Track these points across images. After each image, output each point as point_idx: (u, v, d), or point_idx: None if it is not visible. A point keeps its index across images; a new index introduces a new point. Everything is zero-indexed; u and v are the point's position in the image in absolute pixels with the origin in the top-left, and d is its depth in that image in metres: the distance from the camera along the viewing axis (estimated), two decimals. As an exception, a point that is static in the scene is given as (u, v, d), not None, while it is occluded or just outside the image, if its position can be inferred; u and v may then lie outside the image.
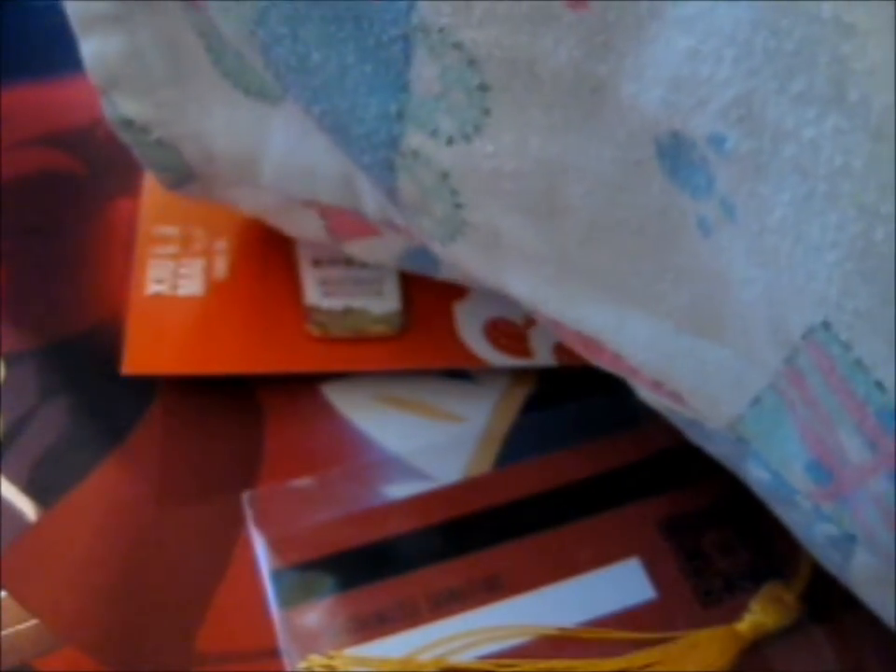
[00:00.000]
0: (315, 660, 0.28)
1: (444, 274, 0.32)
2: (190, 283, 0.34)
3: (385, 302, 0.34)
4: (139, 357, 0.33)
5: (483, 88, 0.24)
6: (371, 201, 0.29)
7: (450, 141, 0.25)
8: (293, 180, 0.30)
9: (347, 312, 0.33)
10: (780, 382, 0.24)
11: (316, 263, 0.35)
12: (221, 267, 0.35)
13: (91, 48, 0.29)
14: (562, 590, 0.29)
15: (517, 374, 0.33)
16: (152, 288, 0.34)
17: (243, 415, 0.32)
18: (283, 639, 0.28)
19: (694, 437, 0.28)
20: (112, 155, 0.38)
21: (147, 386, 0.33)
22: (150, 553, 0.30)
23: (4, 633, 0.28)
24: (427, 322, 0.34)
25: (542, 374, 0.33)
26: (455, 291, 0.34)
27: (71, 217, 0.37)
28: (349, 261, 0.35)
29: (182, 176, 0.31)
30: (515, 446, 0.32)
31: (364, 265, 0.35)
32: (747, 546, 0.30)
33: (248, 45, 0.26)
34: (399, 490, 0.31)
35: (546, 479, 0.31)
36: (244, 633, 0.29)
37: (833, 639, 0.28)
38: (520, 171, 0.25)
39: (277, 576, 0.29)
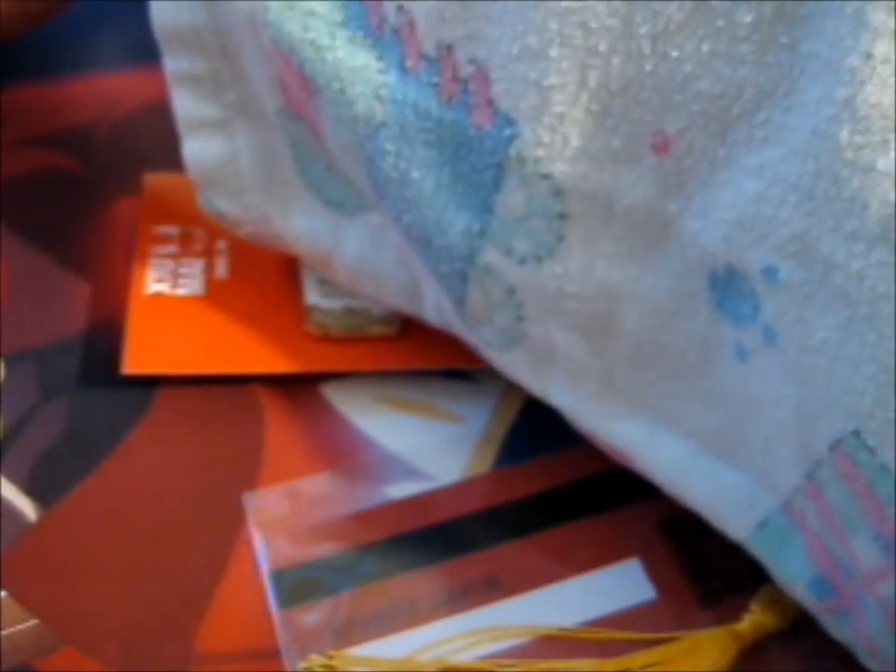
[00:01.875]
0: (315, 660, 0.28)
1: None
2: (190, 283, 0.34)
3: (385, 302, 0.34)
4: (139, 357, 0.33)
5: (563, 216, 0.25)
6: (432, 308, 0.31)
7: (522, 261, 0.26)
8: (363, 282, 0.32)
9: (347, 312, 0.33)
10: (796, 499, 0.25)
11: (316, 263, 0.35)
12: (221, 267, 0.35)
13: (192, 148, 0.31)
14: (562, 590, 0.29)
15: (517, 374, 0.33)
16: (152, 288, 0.34)
17: (243, 415, 0.32)
18: (283, 639, 0.28)
19: None
20: (112, 155, 0.38)
21: (147, 386, 0.33)
22: (150, 552, 0.30)
23: (4, 633, 0.28)
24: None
25: (542, 374, 0.33)
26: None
27: (71, 217, 0.37)
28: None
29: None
30: (515, 446, 0.32)
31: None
32: (747, 546, 0.30)
33: (353, 156, 0.28)
34: (398, 490, 0.31)
35: (546, 479, 0.31)
36: (243, 633, 0.29)
37: (832, 640, 0.28)
38: (581, 293, 0.26)
39: (277, 576, 0.29)
